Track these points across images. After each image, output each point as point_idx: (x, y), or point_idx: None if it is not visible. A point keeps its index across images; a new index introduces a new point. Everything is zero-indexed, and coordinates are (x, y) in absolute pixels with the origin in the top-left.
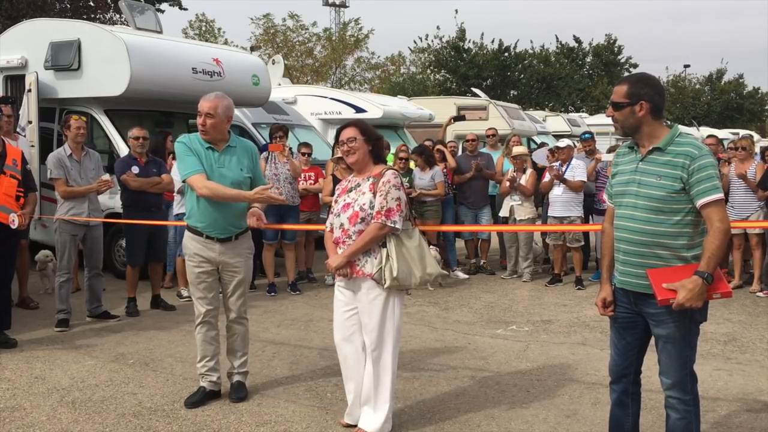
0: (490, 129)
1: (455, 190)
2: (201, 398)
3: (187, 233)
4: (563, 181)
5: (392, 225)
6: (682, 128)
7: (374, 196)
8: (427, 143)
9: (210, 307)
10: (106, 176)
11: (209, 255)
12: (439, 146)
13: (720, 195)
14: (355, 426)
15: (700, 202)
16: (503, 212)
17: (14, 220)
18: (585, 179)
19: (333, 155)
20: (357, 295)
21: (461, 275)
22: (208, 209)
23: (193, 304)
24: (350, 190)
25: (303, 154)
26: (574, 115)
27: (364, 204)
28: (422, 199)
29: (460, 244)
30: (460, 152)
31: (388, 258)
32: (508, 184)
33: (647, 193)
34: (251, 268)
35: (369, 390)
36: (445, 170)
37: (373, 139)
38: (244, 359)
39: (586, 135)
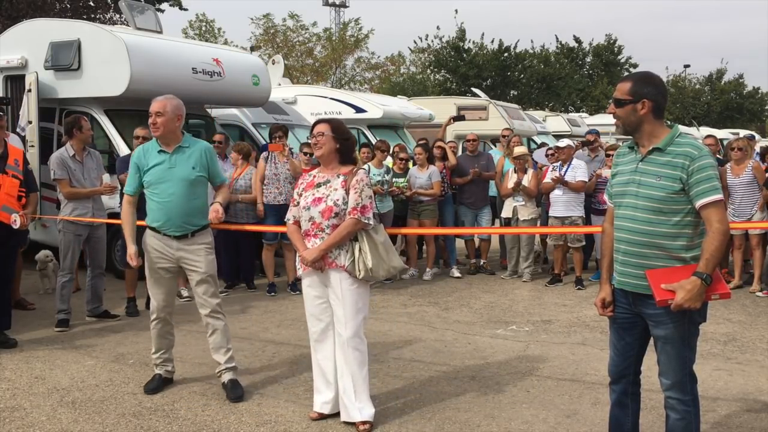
0: (506, 129)
1: (455, 189)
2: (158, 384)
3: (147, 230)
4: (564, 183)
5: (366, 221)
6: (682, 128)
7: (346, 193)
8: (421, 143)
9: (163, 303)
10: (106, 175)
11: (167, 251)
12: (439, 143)
13: (719, 196)
14: (327, 415)
15: (699, 203)
16: (505, 213)
17: (16, 220)
18: (586, 179)
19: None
20: (329, 287)
21: (455, 273)
22: (160, 211)
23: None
24: (318, 185)
25: (305, 154)
26: (574, 115)
27: (337, 200)
28: (418, 198)
29: (460, 244)
30: (460, 152)
31: (361, 252)
32: (511, 186)
33: (647, 193)
34: (214, 262)
35: (351, 381)
36: (444, 170)
37: (342, 138)
38: (229, 354)
39: (593, 131)
